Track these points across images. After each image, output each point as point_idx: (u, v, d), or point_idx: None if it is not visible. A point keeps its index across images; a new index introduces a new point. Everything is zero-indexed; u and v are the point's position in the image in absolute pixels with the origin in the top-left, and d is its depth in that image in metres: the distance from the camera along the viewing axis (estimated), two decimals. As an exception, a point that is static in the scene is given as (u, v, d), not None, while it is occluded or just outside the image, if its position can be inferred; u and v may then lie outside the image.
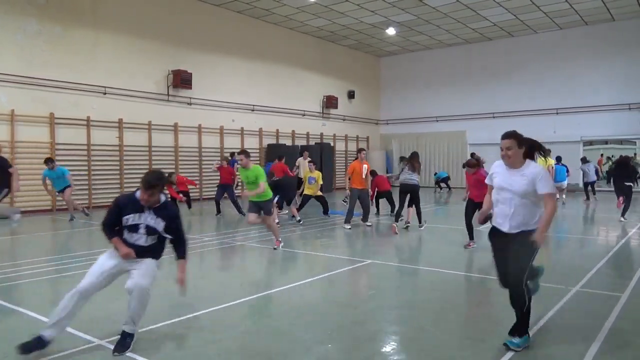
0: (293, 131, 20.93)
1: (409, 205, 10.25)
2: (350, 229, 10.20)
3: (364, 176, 10.48)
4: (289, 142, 20.50)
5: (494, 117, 22.57)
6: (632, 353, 3.77)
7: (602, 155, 25.84)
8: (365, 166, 10.53)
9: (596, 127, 20.26)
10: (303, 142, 21.20)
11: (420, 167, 10.36)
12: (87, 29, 14.23)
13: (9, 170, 9.79)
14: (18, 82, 12.81)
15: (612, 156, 25.89)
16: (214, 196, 13.37)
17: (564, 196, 15.44)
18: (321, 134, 22.45)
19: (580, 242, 9.35)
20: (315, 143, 21.77)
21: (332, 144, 22.54)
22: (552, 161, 14.69)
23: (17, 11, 12.83)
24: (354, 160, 10.89)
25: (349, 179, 10.56)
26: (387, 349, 3.94)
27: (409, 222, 10.21)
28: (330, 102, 22.56)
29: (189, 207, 13.13)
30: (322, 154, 21.12)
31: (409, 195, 10.07)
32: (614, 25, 19.74)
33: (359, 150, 10.88)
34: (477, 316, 4.60)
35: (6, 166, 9.85)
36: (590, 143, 22.47)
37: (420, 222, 10.24)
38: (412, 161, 10.04)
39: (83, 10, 14.17)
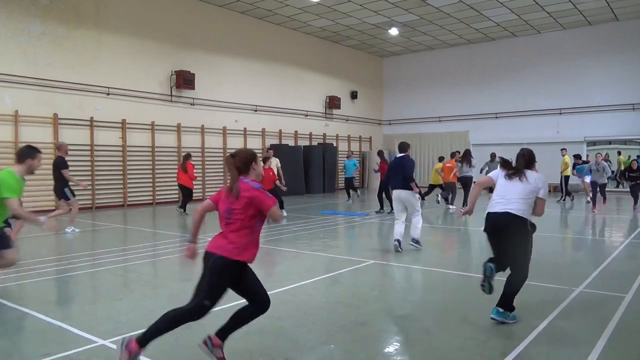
0: (296, 131, 20.93)
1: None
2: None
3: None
4: (291, 143, 20.51)
5: (497, 117, 22.54)
6: (636, 354, 3.76)
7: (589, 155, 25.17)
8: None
9: (600, 128, 20.20)
10: (306, 143, 21.22)
11: (472, 162, 13.65)
12: (90, 30, 14.27)
13: None
14: (22, 82, 12.86)
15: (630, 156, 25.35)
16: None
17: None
18: (324, 135, 22.46)
19: (582, 243, 9.32)
20: (318, 143, 21.78)
21: (334, 145, 22.56)
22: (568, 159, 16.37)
23: (20, 12, 12.88)
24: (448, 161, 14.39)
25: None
26: (390, 349, 3.94)
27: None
28: (332, 103, 22.55)
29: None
30: (324, 155, 21.13)
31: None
32: (618, 25, 19.68)
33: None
34: (480, 317, 4.58)
35: None
36: (594, 143, 22.38)
37: (463, 205, 12.30)
38: (465, 160, 13.34)
39: (86, 11, 14.20)
